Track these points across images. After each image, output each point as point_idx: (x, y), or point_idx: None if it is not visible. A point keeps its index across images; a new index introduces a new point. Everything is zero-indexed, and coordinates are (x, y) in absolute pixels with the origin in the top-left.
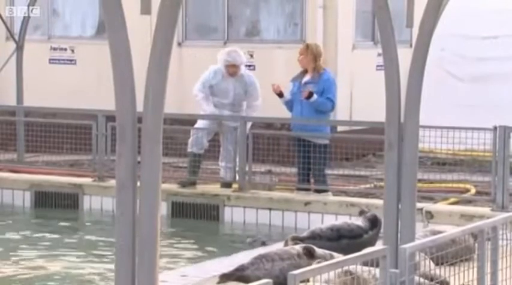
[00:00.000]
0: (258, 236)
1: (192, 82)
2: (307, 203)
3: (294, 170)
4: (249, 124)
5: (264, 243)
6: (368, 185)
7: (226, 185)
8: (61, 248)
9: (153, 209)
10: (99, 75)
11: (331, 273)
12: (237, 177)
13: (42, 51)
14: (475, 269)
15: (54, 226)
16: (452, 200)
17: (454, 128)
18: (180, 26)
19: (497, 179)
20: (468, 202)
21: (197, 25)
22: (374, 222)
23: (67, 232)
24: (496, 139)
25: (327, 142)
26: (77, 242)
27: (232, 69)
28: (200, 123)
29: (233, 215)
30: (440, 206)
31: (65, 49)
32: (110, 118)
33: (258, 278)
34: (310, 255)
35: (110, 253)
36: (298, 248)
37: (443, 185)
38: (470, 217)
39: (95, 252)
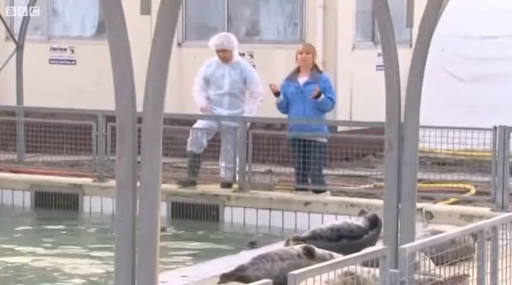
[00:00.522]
0: (252, 237)
1: (192, 83)
2: (307, 204)
3: (294, 170)
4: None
5: (252, 244)
6: (368, 186)
7: (226, 185)
8: (61, 248)
9: (153, 210)
10: (99, 75)
11: (331, 274)
12: (237, 177)
13: (42, 51)
14: (475, 269)
15: (54, 226)
16: (452, 200)
17: (454, 128)
18: (180, 26)
19: (497, 179)
20: (468, 202)
21: (197, 25)
22: (374, 222)
23: (67, 232)
24: (496, 139)
25: (326, 140)
26: (77, 242)
27: (223, 54)
28: (199, 123)
29: (233, 215)
30: (440, 206)
31: (65, 49)
32: (110, 118)
33: (258, 278)
34: (310, 255)
35: (109, 253)
36: (298, 248)
37: (443, 185)
38: (470, 217)
39: (94, 252)
